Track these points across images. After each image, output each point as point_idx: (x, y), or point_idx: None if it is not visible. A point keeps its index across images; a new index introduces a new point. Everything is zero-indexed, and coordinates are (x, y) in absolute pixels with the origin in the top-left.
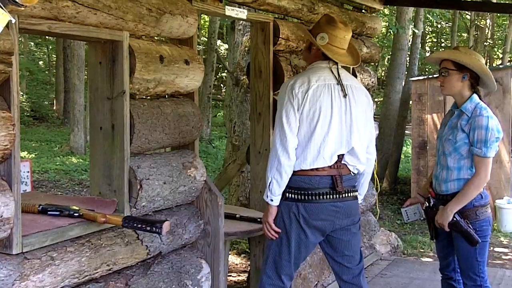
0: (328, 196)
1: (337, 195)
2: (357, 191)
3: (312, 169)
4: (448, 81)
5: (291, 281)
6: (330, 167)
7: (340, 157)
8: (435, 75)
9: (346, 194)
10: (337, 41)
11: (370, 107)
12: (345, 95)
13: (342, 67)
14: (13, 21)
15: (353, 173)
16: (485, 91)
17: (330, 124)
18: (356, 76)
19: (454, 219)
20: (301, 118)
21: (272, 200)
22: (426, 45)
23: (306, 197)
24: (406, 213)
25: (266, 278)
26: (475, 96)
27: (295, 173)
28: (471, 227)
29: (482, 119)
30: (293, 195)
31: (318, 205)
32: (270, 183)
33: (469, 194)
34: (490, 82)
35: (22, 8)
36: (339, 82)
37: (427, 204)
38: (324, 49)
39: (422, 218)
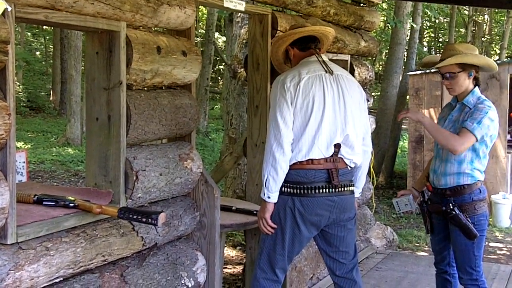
0: (324, 190)
1: (333, 189)
2: (353, 185)
3: (308, 162)
4: (456, 83)
5: (284, 274)
6: (326, 160)
7: (336, 150)
8: (432, 70)
9: (343, 188)
10: (300, 28)
11: (363, 98)
12: (331, 73)
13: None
14: (9, 9)
15: (350, 167)
16: (482, 86)
17: (324, 113)
18: (354, 70)
19: (453, 212)
20: (295, 111)
21: (269, 197)
22: (424, 40)
23: (302, 191)
24: (398, 204)
25: (260, 272)
26: (476, 89)
27: (291, 167)
28: (469, 221)
29: (484, 107)
30: (289, 189)
31: (314, 199)
32: (266, 180)
33: (438, 133)
34: (494, 70)
35: None
36: (328, 70)
37: (422, 198)
38: (295, 29)
39: (414, 210)
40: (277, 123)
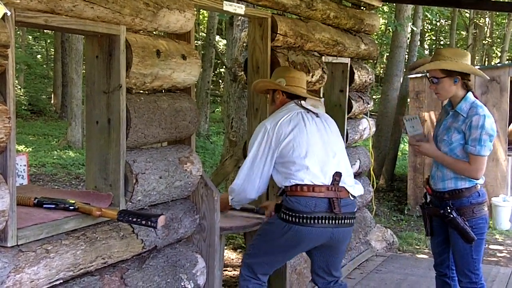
0: (324, 221)
1: (334, 221)
2: (355, 217)
3: (308, 188)
4: (441, 88)
5: (267, 277)
6: (327, 188)
7: (337, 178)
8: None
9: (343, 221)
10: (295, 81)
11: (341, 138)
12: (311, 112)
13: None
14: (9, 13)
15: (353, 196)
16: (482, 89)
17: (309, 140)
18: (353, 73)
19: (451, 215)
20: (278, 148)
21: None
22: (425, 42)
23: (301, 220)
24: (406, 121)
25: (246, 270)
26: (469, 95)
27: (291, 193)
28: (467, 224)
29: (478, 118)
30: (288, 217)
31: (313, 229)
32: (232, 199)
33: (453, 166)
34: (480, 76)
35: (18, 1)
36: (308, 111)
37: (424, 201)
38: (285, 88)
39: (422, 132)
40: (253, 165)
